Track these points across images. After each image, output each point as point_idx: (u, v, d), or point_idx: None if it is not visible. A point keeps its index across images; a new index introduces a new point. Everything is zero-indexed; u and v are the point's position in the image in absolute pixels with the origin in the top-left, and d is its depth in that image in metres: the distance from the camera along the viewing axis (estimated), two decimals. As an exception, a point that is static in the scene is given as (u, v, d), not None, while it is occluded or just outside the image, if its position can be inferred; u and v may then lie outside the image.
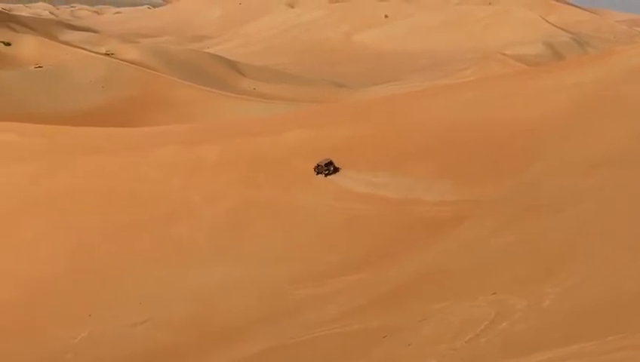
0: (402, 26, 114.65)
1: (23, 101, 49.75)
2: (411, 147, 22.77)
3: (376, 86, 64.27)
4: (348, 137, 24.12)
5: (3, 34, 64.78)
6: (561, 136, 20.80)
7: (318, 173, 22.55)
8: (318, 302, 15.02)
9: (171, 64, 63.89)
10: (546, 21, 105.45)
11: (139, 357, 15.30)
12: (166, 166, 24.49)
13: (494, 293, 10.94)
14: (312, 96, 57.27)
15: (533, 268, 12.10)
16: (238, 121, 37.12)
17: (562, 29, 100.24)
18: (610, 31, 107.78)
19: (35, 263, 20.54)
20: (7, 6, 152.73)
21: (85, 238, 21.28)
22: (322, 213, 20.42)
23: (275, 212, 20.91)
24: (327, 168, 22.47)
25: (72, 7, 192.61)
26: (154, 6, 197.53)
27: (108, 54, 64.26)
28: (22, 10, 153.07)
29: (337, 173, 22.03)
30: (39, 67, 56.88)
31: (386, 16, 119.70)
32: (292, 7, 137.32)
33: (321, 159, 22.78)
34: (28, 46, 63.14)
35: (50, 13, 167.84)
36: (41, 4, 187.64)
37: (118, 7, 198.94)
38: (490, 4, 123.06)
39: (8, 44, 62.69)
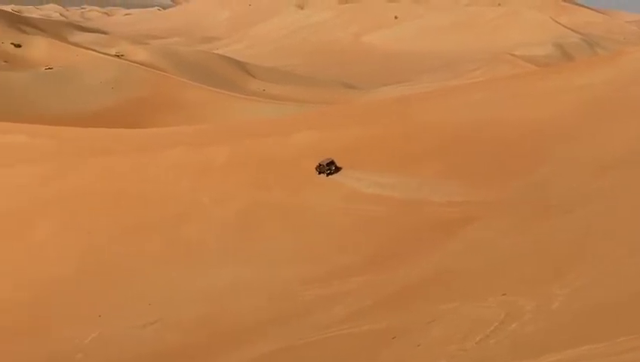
0: (412, 27, 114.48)
1: (33, 102, 49.85)
2: (420, 148, 22.75)
3: (385, 87, 64.21)
4: (357, 138, 24.11)
5: (13, 35, 64.95)
6: (570, 137, 20.74)
7: (320, 173, 22.62)
8: (327, 303, 15.00)
9: (181, 65, 63.94)
10: (556, 22, 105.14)
11: (148, 357, 15.31)
12: (175, 167, 24.52)
13: (504, 294, 10.91)
14: (322, 97, 57.22)
15: (542, 269, 12.05)
16: (248, 123, 37.12)
17: (572, 30, 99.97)
18: (620, 32, 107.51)
19: (45, 264, 20.59)
20: (18, 8, 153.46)
21: (95, 239, 21.31)
22: (331, 214, 20.41)
23: (285, 213, 20.91)
24: (329, 168, 22.56)
25: (82, 8, 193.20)
26: (163, 7, 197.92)
27: (118, 56, 64.36)
28: (32, 12, 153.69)
29: (346, 175, 22.06)
30: (49, 68, 57.00)
31: (396, 17, 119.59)
32: (301, 8, 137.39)
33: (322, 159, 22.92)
34: (38, 47, 63.28)
35: (60, 14, 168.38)
36: (51, 5, 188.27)
37: (128, 8, 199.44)
38: (499, 5, 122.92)
39: (19, 46, 62.85)
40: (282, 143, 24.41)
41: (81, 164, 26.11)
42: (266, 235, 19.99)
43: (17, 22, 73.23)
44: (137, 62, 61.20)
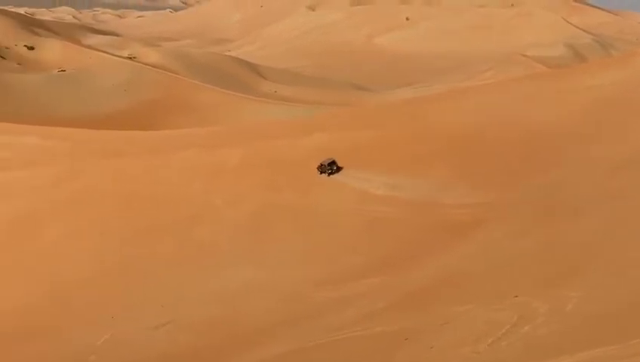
0: (423, 28, 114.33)
1: (46, 105, 50.06)
2: (431, 150, 22.74)
3: (397, 88, 64.18)
4: (367, 140, 24.12)
5: (26, 38, 65.20)
6: (582, 139, 20.69)
7: (321, 173, 22.71)
8: (339, 305, 15.01)
9: (193, 67, 64.07)
10: (569, 23, 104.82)
11: (160, 359, 15.35)
12: (188, 169, 24.59)
13: (516, 296, 10.90)
14: (333, 99, 57.22)
15: (555, 271, 12.03)
16: (259, 124, 37.16)
17: (584, 31, 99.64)
18: (632, 32, 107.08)
19: (58, 266, 20.69)
20: (31, 10, 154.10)
21: (107, 241, 21.39)
22: (343, 216, 20.43)
23: (297, 215, 20.94)
24: (330, 167, 22.68)
25: (94, 11, 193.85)
26: (175, 10, 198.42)
27: (130, 58, 64.54)
28: (45, 15, 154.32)
29: (355, 176, 22.08)
30: (62, 71, 57.24)
31: (407, 19, 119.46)
32: (313, 9, 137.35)
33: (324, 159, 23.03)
34: (51, 50, 63.52)
35: (73, 17, 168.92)
36: (64, 8, 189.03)
37: (141, 10, 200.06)
38: (512, 6, 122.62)
39: (32, 48, 63.10)
40: (294, 145, 24.43)
41: (93, 166, 26.21)
42: (278, 237, 20.02)
43: (30, 24, 73.44)
44: (149, 65, 61.37)
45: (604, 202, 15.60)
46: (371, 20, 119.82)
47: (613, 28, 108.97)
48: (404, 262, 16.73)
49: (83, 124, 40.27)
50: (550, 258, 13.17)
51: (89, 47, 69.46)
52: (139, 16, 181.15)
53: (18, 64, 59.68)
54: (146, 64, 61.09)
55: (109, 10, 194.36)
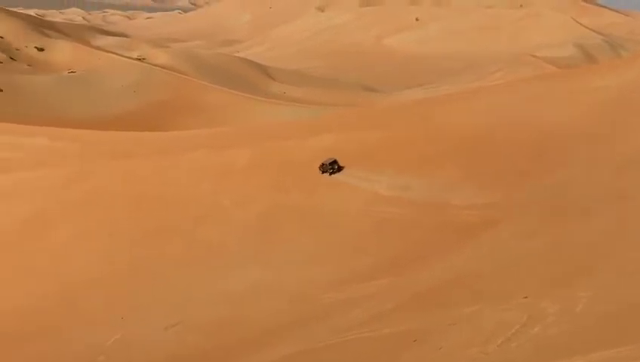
0: (433, 29, 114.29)
1: (55, 106, 50.22)
2: (440, 150, 22.70)
3: (407, 89, 64.19)
4: (376, 141, 24.10)
5: (36, 39, 65.42)
6: (592, 139, 20.63)
7: (323, 172, 22.74)
8: (348, 306, 14.99)
9: (202, 68, 64.20)
10: (578, 23, 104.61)
11: (169, 360, 15.36)
12: (196, 170, 24.62)
13: (526, 297, 10.86)
14: (343, 100, 57.25)
15: (564, 271, 11.99)
16: (268, 125, 37.20)
17: (594, 31, 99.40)
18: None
19: (67, 267, 20.74)
20: (41, 12, 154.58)
21: (117, 242, 21.43)
22: (351, 217, 20.41)
23: (305, 216, 20.93)
24: (332, 167, 22.74)
25: (104, 12, 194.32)
26: (184, 11, 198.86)
27: (139, 59, 64.70)
28: (55, 16, 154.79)
29: (362, 177, 22.08)
30: (72, 72, 57.41)
31: (417, 20, 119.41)
32: (322, 10, 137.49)
33: (325, 158, 23.06)
34: (61, 51, 63.72)
35: (82, 18, 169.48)
36: (73, 9, 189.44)
37: (150, 12, 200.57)
38: (521, 6, 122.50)
39: (42, 50, 63.30)
40: (303, 146, 24.43)
41: (103, 167, 26.28)
42: (286, 238, 20.01)
43: (40, 26, 73.71)
44: (159, 66, 61.53)
45: (612, 202, 15.55)
46: (380, 21, 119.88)
47: (623, 28, 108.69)
48: (412, 263, 16.70)
49: (92, 125, 40.42)
50: (559, 258, 13.13)
51: (99, 48, 69.69)
52: (148, 18, 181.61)
53: (28, 65, 59.91)
54: (155, 65, 61.26)
55: (119, 12, 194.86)
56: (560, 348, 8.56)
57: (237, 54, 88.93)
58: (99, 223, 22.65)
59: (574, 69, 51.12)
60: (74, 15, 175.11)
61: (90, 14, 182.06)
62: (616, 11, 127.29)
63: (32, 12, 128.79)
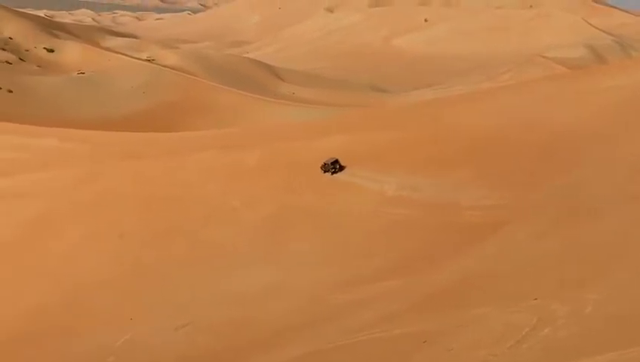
0: (442, 29, 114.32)
1: (65, 107, 50.38)
2: (450, 151, 22.67)
3: (416, 90, 64.19)
4: (386, 142, 24.09)
5: (46, 40, 65.68)
6: (602, 140, 20.54)
7: (325, 172, 22.80)
8: (358, 307, 14.98)
9: (211, 69, 64.35)
10: (588, 24, 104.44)
11: (179, 361, 15.38)
12: (206, 171, 24.66)
13: (536, 299, 10.82)
14: (352, 101, 57.30)
15: (575, 273, 11.95)
16: (277, 126, 37.27)
17: (604, 32, 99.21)
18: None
19: (77, 268, 20.80)
20: (50, 13, 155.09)
21: (127, 243, 21.48)
22: (361, 218, 20.40)
23: (315, 216, 20.93)
24: (334, 166, 22.83)
25: (113, 13, 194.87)
26: (194, 12, 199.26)
27: (149, 60, 64.90)
28: (65, 17, 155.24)
29: (371, 177, 22.08)
30: (81, 73, 57.61)
31: (426, 20, 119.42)
32: (331, 11, 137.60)
33: (327, 158, 23.12)
34: (71, 52, 63.97)
35: (92, 19, 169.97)
36: (83, 10, 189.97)
37: (159, 13, 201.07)
38: (531, 7, 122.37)
39: (51, 51, 63.52)
40: (312, 147, 24.44)
41: (112, 168, 26.36)
42: (296, 239, 20.01)
43: (50, 27, 74.00)
44: (168, 67, 61.73)
45: (624, 203, 15.47)
46: (389, 22, 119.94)
47: (633, 29, 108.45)
48: (422, 264, 16.68)
49: (102, 126, 40.55)
50: (570, 259, 13.08)
51: (108, 49, 69.93)
52: (157, 19, 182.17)
53: (38, 66, 60.18)
54: (164, 66, 61.46)
55: (128, 13, 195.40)
56: (569, 351, 8.54)
57: (246, 55, 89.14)
58: (108, 224, 22.71)
59: (584, 69, 51.00)
60: (83, 16, 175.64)
61: (99, 15, 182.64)
62: (627, 12, 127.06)
63: (41, 13, 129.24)
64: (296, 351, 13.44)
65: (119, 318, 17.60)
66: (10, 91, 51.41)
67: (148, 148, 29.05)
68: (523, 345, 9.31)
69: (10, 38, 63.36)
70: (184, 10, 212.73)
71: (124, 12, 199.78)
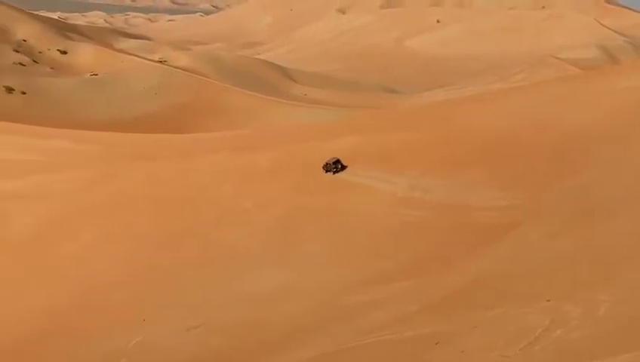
0: (455, 30, 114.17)
1: (77, 108, 50.56)
2: (462, 152, 22.63)
3: (429, 91, 64.10)
4: (398, 143, 24.07)
5: (60, 42, 65.92)
6: (615, 141, 20.46)
7: (327, 171, 22.86)
8: (370, 308, 14.97)
9: (223, 71, 64.46)
10: (601, 24, 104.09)
11: None
12: (218, 172, 24.69)
13: (548, 300, 10.79)
14: (364, 102, 57.27)
15: (587, 274, 11.91)
16: (290, 127, 37.28)
17: (617, 33, 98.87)
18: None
19: (91, 269, 20.85)
20: (64, 15, 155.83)
21: (140, 245, 21.52)
22: (373, 218, 20.38)
23: (327, 218, 20.92)
24: (335, 166, 22.92)
25: (126, 15, 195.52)
26: (206, 13, 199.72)
27: (161, 61, 65.08)
28: (78, 19, 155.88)
29: (382, 178, 22.10)
30: (94, 75, 57.79)
31: (438, 21, 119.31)
32: (343, 12, 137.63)
33: (329, 158, 23.23)
34: (84, 54, 64.17)
35: (104, 21, 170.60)
36: (96, 12, 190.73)
37: (171, 14, 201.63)
38: (543, 8, 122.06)
39: (65, 53, 63.76)
40: (324, 148, 24.43)
41: (125, 170, 26.42)
42: (308, 240, 20.01)
43: (63, 29, 74.27)
44: (180, 68, 61.88)
45: (636, 203, 15.40)
46: (401, 23, 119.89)
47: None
48: (435, 265, 16.66)
49: (115, 127, 40.67)
50: (582, 260, 13.03)
51: (121, 51, 70.11)
52: (170, 20, 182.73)
53: (51, 68, 60.43)
54: (176, 67, 61.62)
55: (141, 14, 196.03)
56: (582, 352, 8.51)
57: (258, 56, 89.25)
58: (121, 226, 22.76)
59: (597, 70, 50.82)
60: (96, 18, 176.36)
61: (112, 17, 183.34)
62: (639, 12, 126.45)
63: (55, 15, 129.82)
64: (308, 353, 13.44)
65: (132, 319, 17.64)
66: (24, 93, 51.65)
67: (160, 149, 29.12)
68: (535, 346, 9.29)
69: (24, 40, 63.63)
70: (196, 12, 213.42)
71: (137, 14, 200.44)
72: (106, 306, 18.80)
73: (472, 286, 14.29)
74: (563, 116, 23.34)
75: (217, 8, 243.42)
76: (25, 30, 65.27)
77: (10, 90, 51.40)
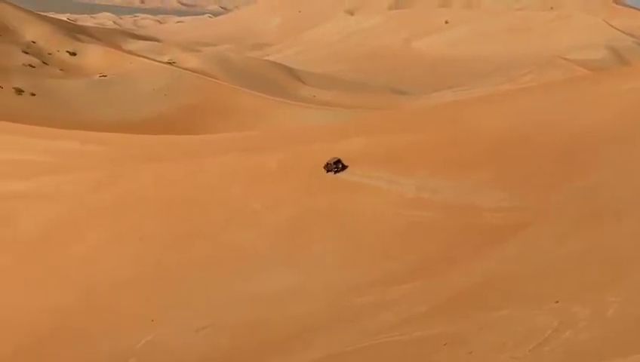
0: (463, 31, 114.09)
1: (87, 110, 50.72)
2: (470, 153, 22.60)
3: (436, 92, 64.09)
4: (406, 144, 24.05)
5: (69, 44, 66.13)
6: (624, 142, 20.41)
7: (327, 171, 22.89)
8: (377, 309, 14.96)
9: (232, 72, 64.59)
10: (610, 25, 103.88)
11: (200, 362, 15.44)
12: (227, 174, 24.71)
13: (557, 302, 10.78)
14: (372, 103, 57.31)
15: (596, 275, 11.89)
16: (298, 129, 37.30)
17: (626, 33, 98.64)
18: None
19: (98, 270, 20.91)
20: (73, 16, 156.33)
21: (148, 246, 21.56)
22: (381, 220, 20.37)
23: (335, 219, 20.92)
24: (336, 166, 22.92)
25: (135, 16, 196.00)
26: (215, 15, 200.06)
27: (170, 63, 65.25)
28: (87, 21, 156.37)
29: (389, 179, 22.09)
30: (103, 76, 57.99)
31: (447, 22, 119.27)
32: (351, 14, 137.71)
33: (330, 158, 23.25)
34: (93, 56, 64.39)
35: (113, 22, 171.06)
36: (105, 14, 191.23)
37: (180, 16, 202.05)
38: (551, 8, 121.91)
39: (74, 54, 63.98)
40: (333, 150, 24.41)
41: (134, 171, 26.48)
42: (316, 241, 20.01)
43: (72, 30, 74.47)
44: (189, 69, 62.03)
45: (646, 206, 15.38)
46: (410, 24, 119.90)
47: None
48: (443, 266, 16.64)
49: (123, 128, 40.77)
50: (591, 261, 13.02)
51: (130, 52, 70.34)
52: (178, 22, 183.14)
53: (60, 70, 60.69)
54: (185, 69, 61.79)
55: (149, 16, 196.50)
56: (591, 353, 8.50)
57: (267, 58, 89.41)
58: (129, 227, 22.81)
59: (606, 71, 50.70)
60: (105, 19, 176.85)
61: (121, 19, 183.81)
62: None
63: (64, 17, 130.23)
64: (316, 354, 13.45)
65: (140, 320, 17.69)
66: (33, 94, 51.83)
67: (169, 150, 29.17)
68: (545, 347, 9.28)
69: (33, 42, 63.83)
70: (204, 13, 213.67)
71: (145, 15, 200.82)
72: (114, 306, 18.85)
73: (479, 287, 14.28)
74: (571, 117, 23.29)
75: (226, 10, 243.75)
76: (34, 32, 65.48)
77: (19, 91, 51.62)
